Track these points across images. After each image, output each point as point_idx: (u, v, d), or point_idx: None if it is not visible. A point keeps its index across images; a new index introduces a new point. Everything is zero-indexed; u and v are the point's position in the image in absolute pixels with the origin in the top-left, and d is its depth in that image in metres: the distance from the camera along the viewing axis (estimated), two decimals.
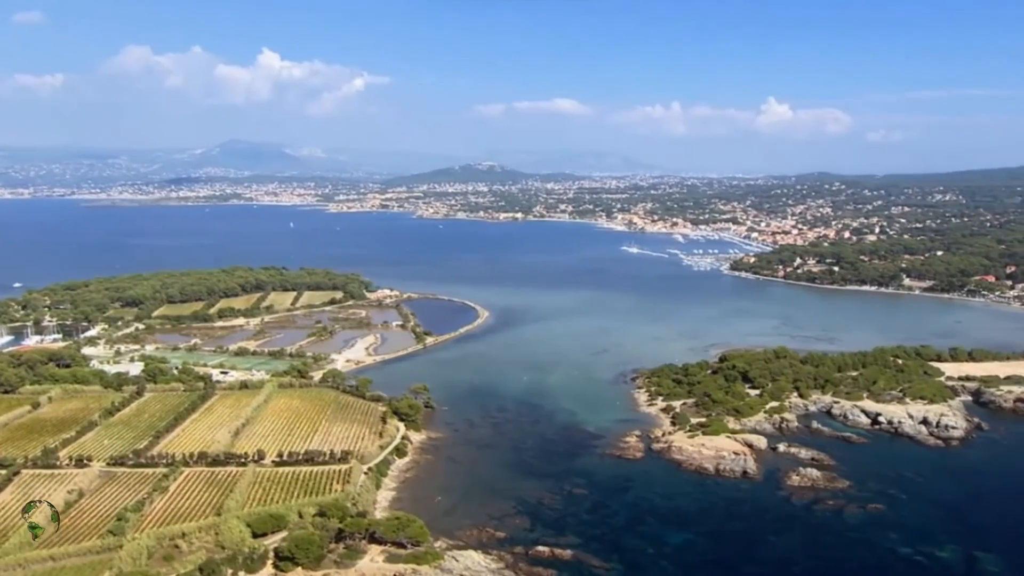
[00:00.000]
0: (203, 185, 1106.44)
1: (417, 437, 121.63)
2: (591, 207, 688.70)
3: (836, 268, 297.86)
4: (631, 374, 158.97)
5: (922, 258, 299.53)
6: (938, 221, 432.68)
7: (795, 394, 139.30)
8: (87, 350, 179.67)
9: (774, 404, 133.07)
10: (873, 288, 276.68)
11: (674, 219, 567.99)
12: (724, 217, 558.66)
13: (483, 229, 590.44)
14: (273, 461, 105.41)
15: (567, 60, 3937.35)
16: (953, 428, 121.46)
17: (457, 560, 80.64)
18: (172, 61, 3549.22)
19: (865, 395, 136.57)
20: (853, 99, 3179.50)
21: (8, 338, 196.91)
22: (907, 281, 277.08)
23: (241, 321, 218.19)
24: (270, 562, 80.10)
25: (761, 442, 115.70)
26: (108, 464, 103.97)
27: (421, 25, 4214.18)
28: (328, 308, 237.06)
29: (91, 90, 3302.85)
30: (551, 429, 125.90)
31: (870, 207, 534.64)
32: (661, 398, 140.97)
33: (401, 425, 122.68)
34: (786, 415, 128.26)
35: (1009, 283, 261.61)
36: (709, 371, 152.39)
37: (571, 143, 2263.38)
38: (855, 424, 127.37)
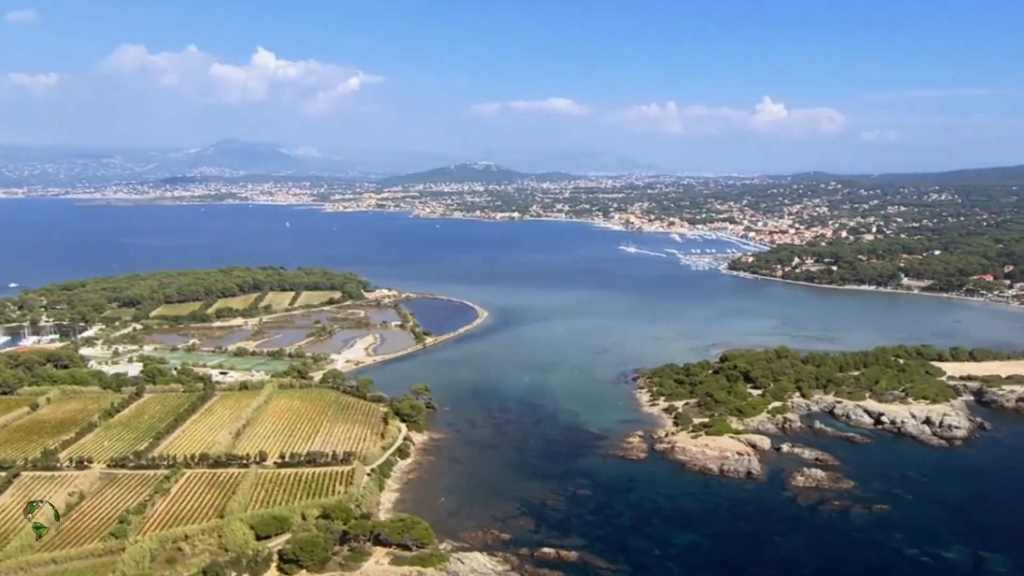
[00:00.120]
0: (198, 185, 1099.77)
1: (419, 438, 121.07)
2: (588, 207, 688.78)
3: (834, 268, 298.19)
4: (632, 374, 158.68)
5: (920, 257, 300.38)
6: (935, 220, 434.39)
7: (797, 394, 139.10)
8: (85, 351, 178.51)
9: (776, 404, 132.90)
10: (872, 287, 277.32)
11: (671, 218, 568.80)
12: (721, 216, 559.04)
13: (480, 229, 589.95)
14: (275, 462, 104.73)
15: (562, 60, 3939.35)
16: (956, 428, 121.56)
17: (463, 562, 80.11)
18: (167, 60, 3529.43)
19: (867, 395, 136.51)
20: (848, 99, 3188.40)
21: (5, 339, 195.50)
22: (905, 280, 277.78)
23: (239, 321, 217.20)
24: (274, 565, 79.49)
25: (764, 442, 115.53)
26: (109, 466, 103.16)
27: (416, 24, 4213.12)
28: (326, 308, 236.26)
29: (85, 89, 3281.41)
30: (553, 430, 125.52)
31: (866, 206, 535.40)
32: (663, 398, 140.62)
33: (403, 426, 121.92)
34: (789, 415, 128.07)
35: (1007, 282, 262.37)
36: (710, 371, 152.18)
37: (567, 143, 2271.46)
38: (858, 424, 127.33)
